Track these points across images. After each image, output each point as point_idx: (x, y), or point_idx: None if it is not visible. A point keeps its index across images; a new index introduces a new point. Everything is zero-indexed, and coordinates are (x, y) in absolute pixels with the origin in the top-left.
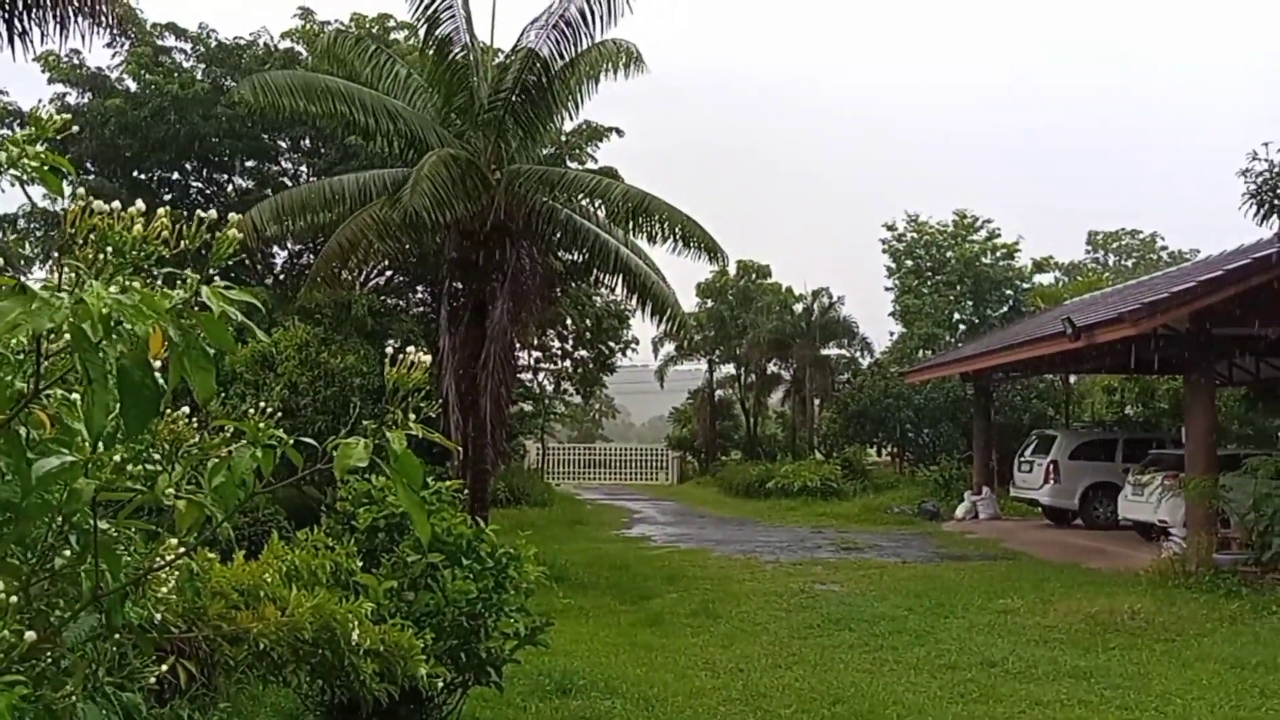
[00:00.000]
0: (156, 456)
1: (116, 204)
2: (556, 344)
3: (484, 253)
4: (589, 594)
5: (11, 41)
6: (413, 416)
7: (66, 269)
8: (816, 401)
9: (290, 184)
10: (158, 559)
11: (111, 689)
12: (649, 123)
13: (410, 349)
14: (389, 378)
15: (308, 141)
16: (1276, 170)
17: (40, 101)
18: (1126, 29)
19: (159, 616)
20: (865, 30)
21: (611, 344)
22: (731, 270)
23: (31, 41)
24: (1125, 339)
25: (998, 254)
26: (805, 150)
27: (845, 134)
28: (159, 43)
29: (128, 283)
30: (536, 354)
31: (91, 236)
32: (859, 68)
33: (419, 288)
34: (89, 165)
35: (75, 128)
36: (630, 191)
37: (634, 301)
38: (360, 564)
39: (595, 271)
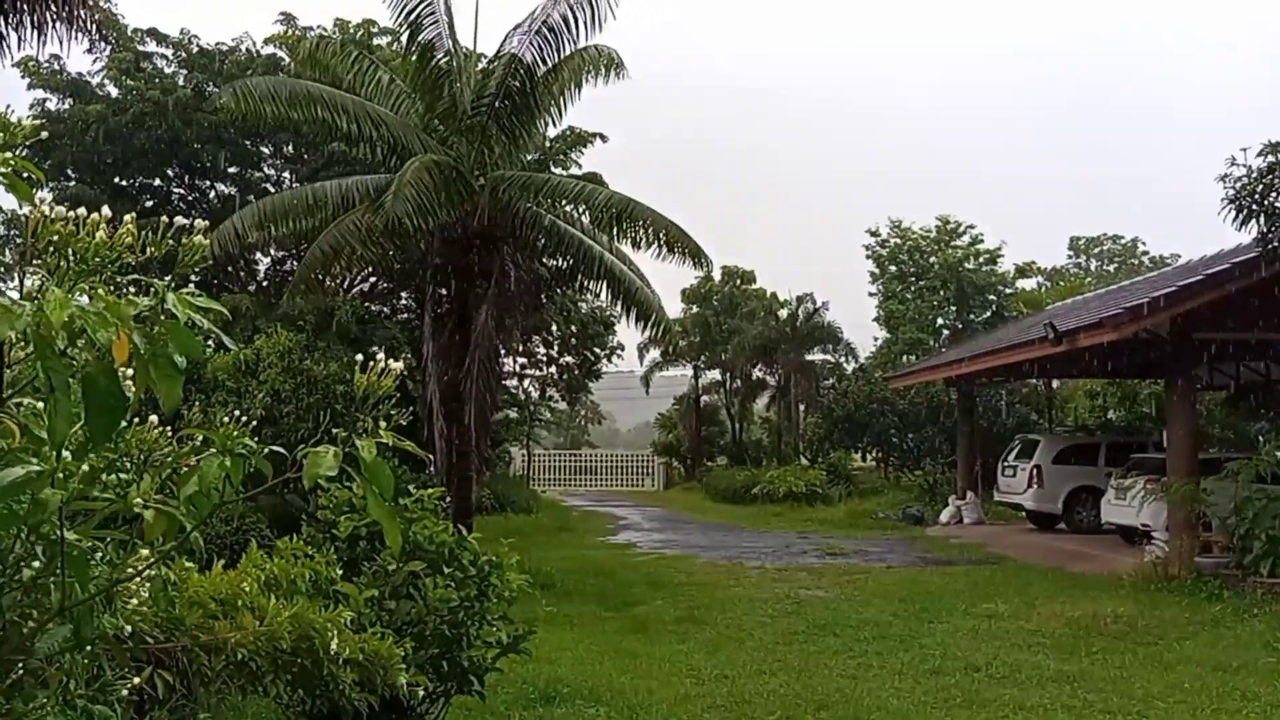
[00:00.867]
0: (129, 465)
1: (82, 210)
2: (542, 350)
3: (468, 259)
4: (574, 601)
5: None
6: (384, 424)
7: (30, 276)
8: (801, 407)
9: (273, 190)
10: (129, 569)
11: (84, 701)
12: (633, 129)
13: (379, 355)
14: (358, 384)
15: (290, 148)
16: (1255, 175)
17: (8, 107)
18: (1105, 35)
19: (129, 628)
20: (849, 37)
21: (597, 350)
22: (716, 276)
23: (8, 47)
24: (1107, 343)
25: (981, 259)
26: (789, 156)
27: (829, 140)
28: (140, 48)
29: (91, 290)
30: (522, 360)
31: (53, 243)
32: (844, 74)
33: (403, 294)
34: (70, 172)
35: (45, 134)
36: (614, 197)
37: (619, 307)
38: (341, 572)
39: (580, 277)
